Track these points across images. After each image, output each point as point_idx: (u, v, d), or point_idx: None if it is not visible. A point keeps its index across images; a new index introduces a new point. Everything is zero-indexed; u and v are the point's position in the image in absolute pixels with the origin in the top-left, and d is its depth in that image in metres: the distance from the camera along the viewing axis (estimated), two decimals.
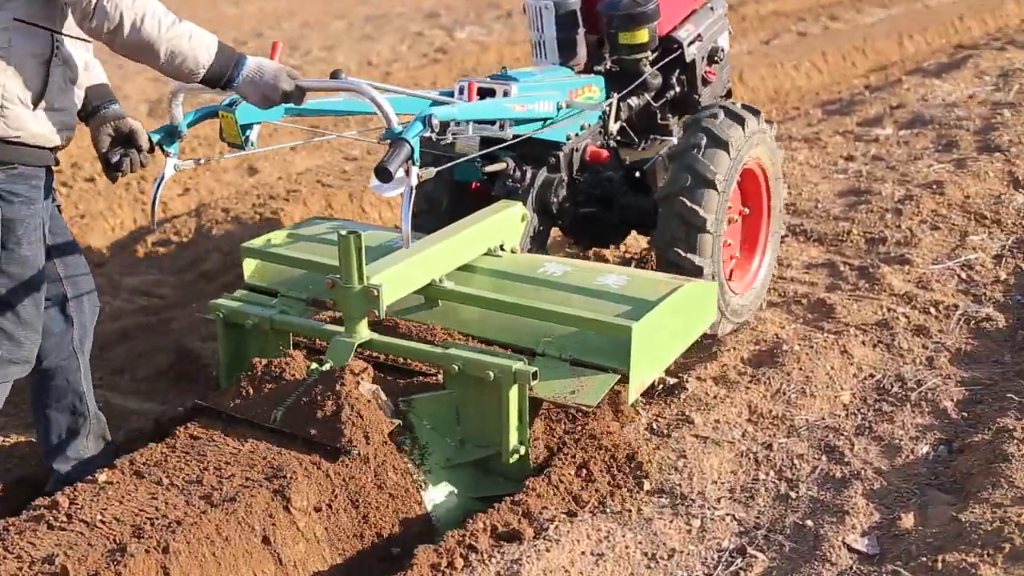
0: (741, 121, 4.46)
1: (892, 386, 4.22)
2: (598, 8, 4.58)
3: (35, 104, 3.09)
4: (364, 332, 3.62)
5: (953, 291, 5.02)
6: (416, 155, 3.22)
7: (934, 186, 6.27)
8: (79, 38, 3.22)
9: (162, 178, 3.57)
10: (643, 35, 4.53)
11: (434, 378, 3.71)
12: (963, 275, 5.19)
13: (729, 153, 4.35)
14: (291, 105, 3.35)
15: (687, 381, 4.25)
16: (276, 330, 3.85)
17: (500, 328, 3.84)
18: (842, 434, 3.89)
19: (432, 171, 3.37)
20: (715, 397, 4.13)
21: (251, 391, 3.56)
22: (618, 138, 4.77)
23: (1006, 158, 6.76)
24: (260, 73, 3.20)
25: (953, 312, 4.79)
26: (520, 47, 12.50)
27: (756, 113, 4.59)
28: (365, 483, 3.31)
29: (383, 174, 3.15)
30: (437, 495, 3.49)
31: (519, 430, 3.48)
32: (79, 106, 3.36)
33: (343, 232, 3.49)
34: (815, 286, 5.12)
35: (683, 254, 4.29)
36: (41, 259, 3.27)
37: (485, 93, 4.11)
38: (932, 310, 4.81)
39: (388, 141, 3.23)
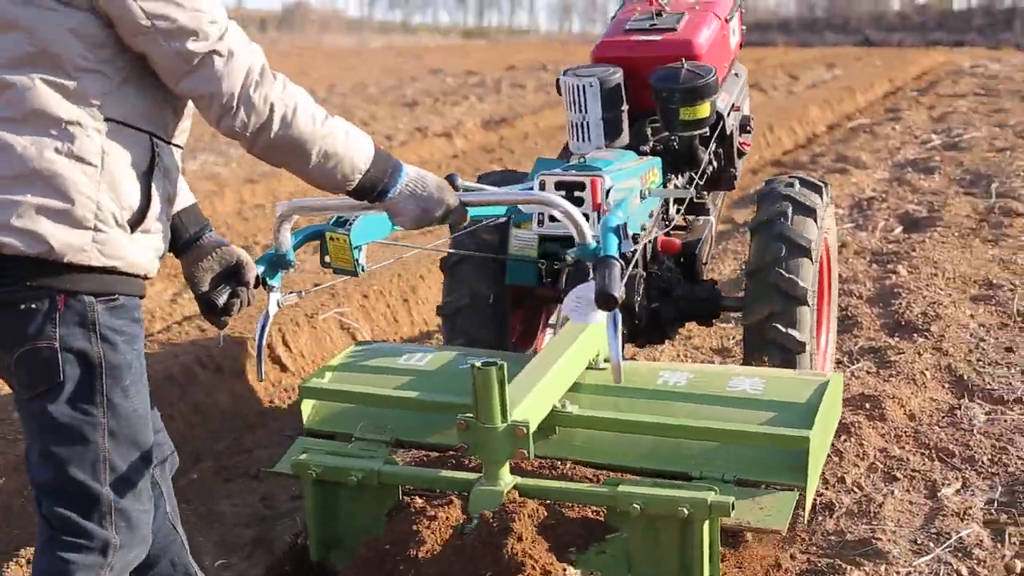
0: (818, 190, 4.20)
1: None
2: (652, 82, 4.19)
3: (133, 227, 2.44)
4: (508, 477, 3.09)
5: None
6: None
7: (867, 404, 4.63)
8: (178, 145, 2.61)
9: (266, 319, 2.95)
10: (704, 109, 4.18)
11: (572, 510, 3.19)
12: (962, 570, 3.45)
13: (816, 222, 4.05)
14: None
15: None
16: (383, 484, 3.26)
17: (638, 453, 3.38)
18: None
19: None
20: None
21: (388, 563, 2.97)
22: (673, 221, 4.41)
23: (933, 344, 5.29)
24: (423, 185, 2.67)
25: None
26: (263, 185, 10.12)
27: (825, 184, 4.32)
28: None
29: (610, 301, 2.66)
30: None
31: (711, 569, 3.02)
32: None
33: (477, 364, 2.97)
34: None
35: (783, 330, 3.94)
36: (148, 411, 2.61)
37: (572, 187, 3.67)
38: None
39: (576, 260, 2.78)
